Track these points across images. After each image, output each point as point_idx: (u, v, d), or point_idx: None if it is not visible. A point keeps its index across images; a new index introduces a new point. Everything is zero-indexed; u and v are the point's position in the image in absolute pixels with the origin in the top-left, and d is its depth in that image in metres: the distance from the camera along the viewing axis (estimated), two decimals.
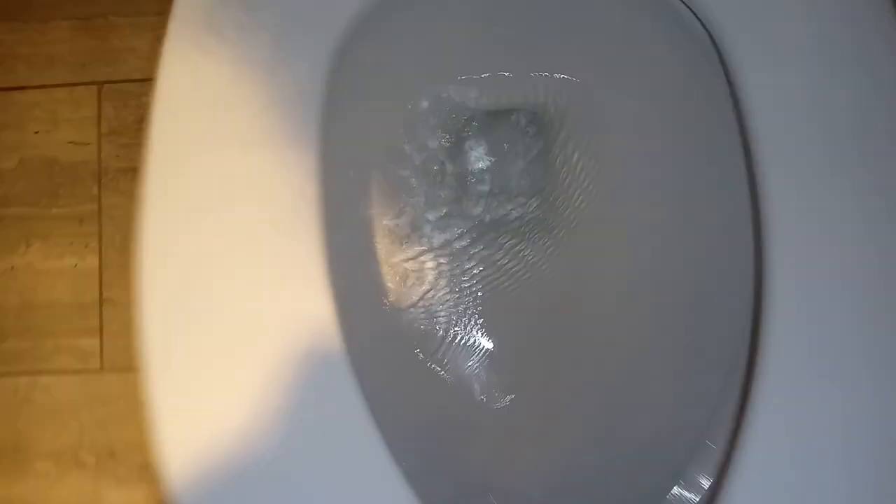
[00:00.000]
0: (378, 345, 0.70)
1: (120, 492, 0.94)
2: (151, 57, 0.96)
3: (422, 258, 0.74)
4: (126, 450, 0.94)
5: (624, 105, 0.73)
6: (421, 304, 0.74)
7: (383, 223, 0.74)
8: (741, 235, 0.58)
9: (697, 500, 0.62)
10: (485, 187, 0.77)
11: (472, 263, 0.74)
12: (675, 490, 0.62)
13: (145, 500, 0.94)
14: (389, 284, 0.74)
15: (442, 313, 0.74)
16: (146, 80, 0.98)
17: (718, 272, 0.67)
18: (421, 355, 0.72)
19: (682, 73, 0.68)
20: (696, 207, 0.69)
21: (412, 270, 0.74)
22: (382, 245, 0.74)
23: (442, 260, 0.74)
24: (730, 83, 0.57)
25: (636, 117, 0.72)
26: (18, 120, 0.98)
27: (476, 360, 0.73)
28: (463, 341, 0.73)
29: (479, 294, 0.74)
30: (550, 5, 0.69)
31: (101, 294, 0.96)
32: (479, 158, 0.78)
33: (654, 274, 0.71)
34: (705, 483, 0.62)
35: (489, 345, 0.73)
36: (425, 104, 0.76)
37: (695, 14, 0.60)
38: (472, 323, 0.74)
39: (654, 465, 0.65)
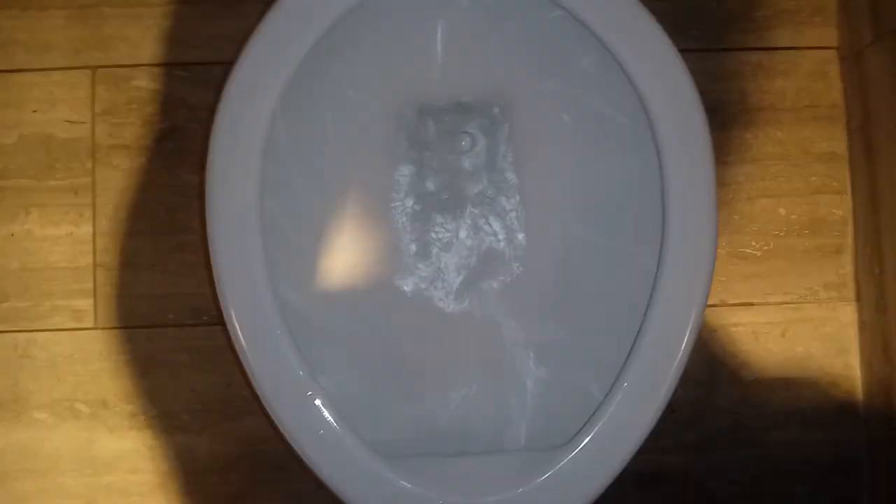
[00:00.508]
0: None
1: (111, 439, 1.03)
2: (141, 44, 1.06)
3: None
4: (117, 400, 1.04)
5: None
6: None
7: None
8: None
9: None
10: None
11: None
12: None
13: (134, 446, 1.03)
14: None
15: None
16: (136, 66, 1.05)
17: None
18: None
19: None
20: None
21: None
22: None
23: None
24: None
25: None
26: (17, 100, 1.05)
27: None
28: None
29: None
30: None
31: (94, 259, 1.04)
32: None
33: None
34: None
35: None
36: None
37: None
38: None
39: None
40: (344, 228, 0.87)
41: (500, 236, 0.87)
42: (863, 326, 1.04)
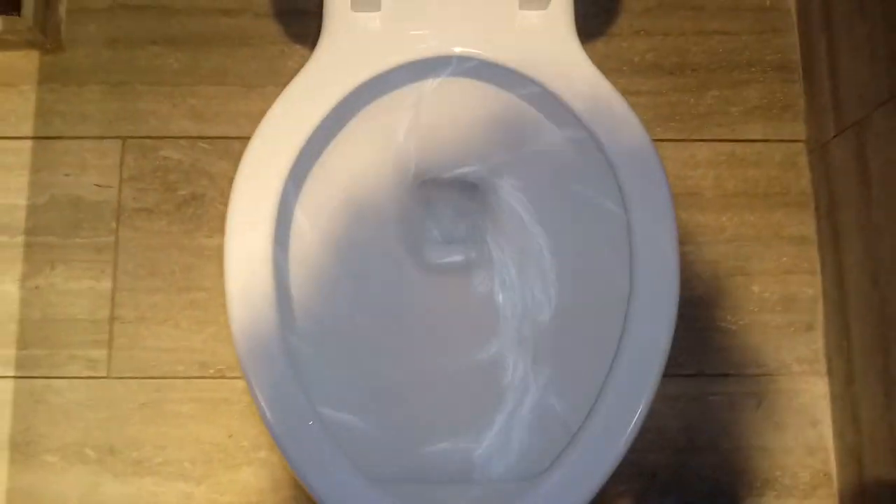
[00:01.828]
0: None
1: (116, 484, 1.08)
2: (170, 119, 1.15)
3: None
4: (124, 447, 1.09)
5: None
6: None
7: None
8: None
9: None
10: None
11: None
12: None
13: (137, 492, 1.08)
14: None
15: None
16: (164, 138, 1.15)
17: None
18: None
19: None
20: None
21: None
22: None
23: None
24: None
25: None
26: (52, 164, 1.15)
27: None
28: None
29: None
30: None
31: (112, 312, 1.12)
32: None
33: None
34: None
35: None
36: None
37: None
38: None
39: None
40: (348, 283, 0.94)
41: (490, 295, 0.94)
42: (834, 399, 1.09)
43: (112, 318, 1.12)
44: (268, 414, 0.79)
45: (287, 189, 0.85)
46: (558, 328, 0.90)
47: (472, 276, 0.93)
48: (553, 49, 0.87)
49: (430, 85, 0.92)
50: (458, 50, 0.87)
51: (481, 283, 0.93)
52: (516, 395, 0.89)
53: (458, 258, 0.94)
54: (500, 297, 0.92)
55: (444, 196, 0.97)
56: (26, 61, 1.17)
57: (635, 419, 0.79)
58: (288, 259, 0.89)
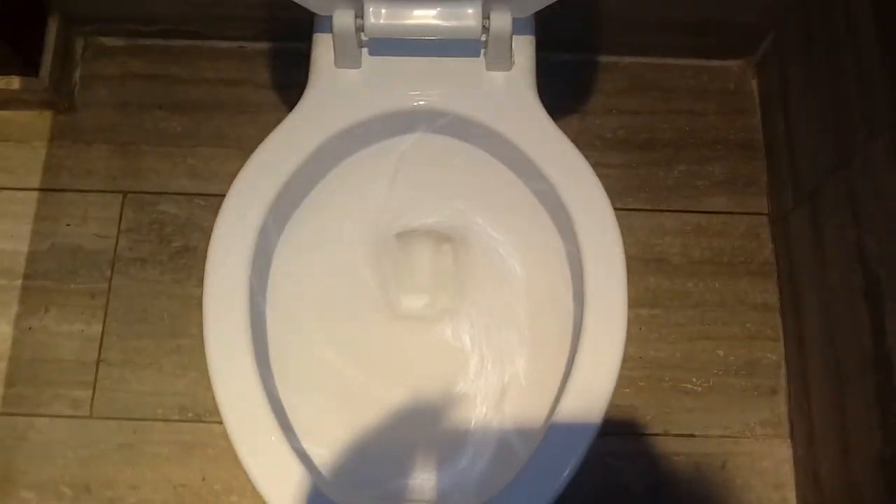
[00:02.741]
0: None
1: None
2: (169, 176, 1.22)
3: None
4: (100, 486, 1.12)
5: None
6: None
7: None
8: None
9: None
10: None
11: None
12: None
13: None
14: None
15: None
16: (162, 193, 1.23)
17: None
18: None
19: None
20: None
21: None
22: None
23: None
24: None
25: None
26: (55, 214, 1.22)
27: None
28: None
29: None
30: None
31: (99, 355, 1.16)
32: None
33: None
34: None
35: None
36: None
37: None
38: None
39: None
40: (323, 325, 0.98)
41: (461, 341, 0.99)
42: (797, 461, 1.11)
43: (99, 361, 1.16)
44: (234, 433, 0.82)
45: (267, 228, 0.91)
46: (524, 371, 0.94)
47: (444, 322, 0.98)
48: (515, 105, 0.94)
49: (407, 141, 1.00)
50: (431, 105, 0.95)
51: (452, 329, 0.98)
52: (479, 434, 0.92)
53: (430, 306, 0.99)
54: (470, 343, 0.97)
55: (419, 247, 1.02)
56: (40, 120, 1.26)
57: (579, 450, 0.82)
58: (266, 299, 0.94)
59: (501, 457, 0.90)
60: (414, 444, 0.92)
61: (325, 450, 0.90)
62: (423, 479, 0.90)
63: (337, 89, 0.95)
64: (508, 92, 0.95)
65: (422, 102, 0.94)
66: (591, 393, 0.84)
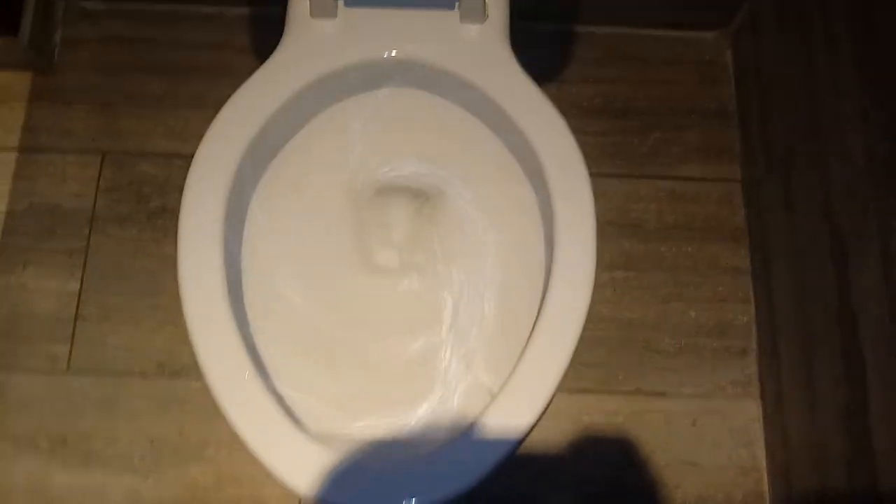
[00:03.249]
0: None
1: (65, 475, 1.11)
2: (148, 136, 1.23)
3: None
4: (77, 439, 1.12)
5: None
6: None
7: None
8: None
9: None
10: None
11: None
12: None
13: (85, 483, 1.10)
14: None
15: None
16: (141, 154, 1.23)
17: None
18: None
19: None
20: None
21: None
22: None
23: None
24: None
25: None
26: (34, 174, 1.22)
27: None
28: None
29: None
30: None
31: (77, 311, 1.17)
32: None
33: None
34: None
35: None
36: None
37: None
38: None
39: None
40: (297, 274, 0.99)
41: (433, 292, 1.00)
42: (766, 420, 1.13)
43: (76, 317, 1.17)
44: (208, 372, 0.83)
45: (242, 177, 0.92)
46: (494, 318, 0.96)
47: (417, 275, 0.99)
48: (489, 57, 0.96)
49: (381, 94, 1.01)
50: (405, 55, 0.96)
51: (425, 282, 0.99)
52: (450, 376, 0.93)
53: (404, 260, 1.00)
54: (443, 294, 0.98)
55: (394, 201, 1.03)
56: (20, 81, 1.26)
57: (548, 386, 0.83)
58: (241, 248, 0.95)
59: (473, 398, 0.91)
60: (387, 388, 0.94)
61: (298, 393, 0.91)
62: (396, 420, 0.91)
63: (312, 39, 0.97)
64: (482, 44, 0.97)
65: (395, 53, 0.95)
66: (559, 332, 0.85)
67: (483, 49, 0.96)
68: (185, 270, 0.87)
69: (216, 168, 0.91)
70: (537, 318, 0.86)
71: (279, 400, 0.83)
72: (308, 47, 0.96)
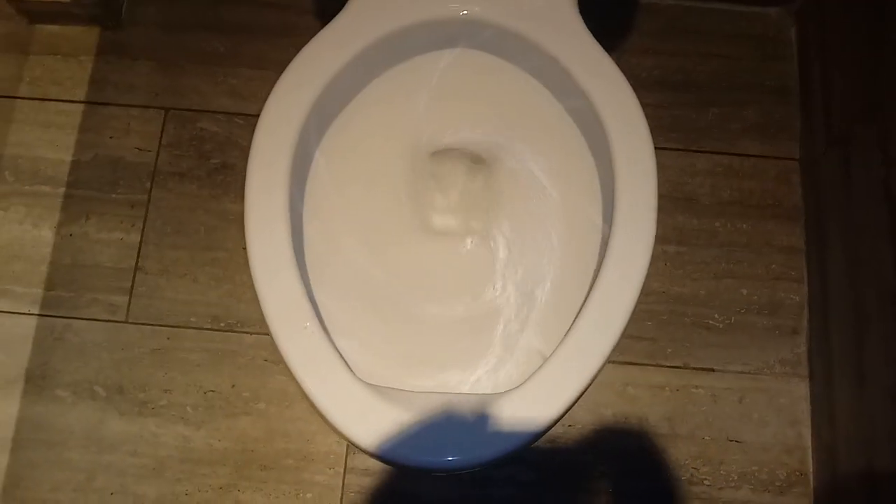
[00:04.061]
0: None
1: (120, 422, 1.14)
2: (210, 94, 1.25)
3: None
4: (132, 388, 1.15)
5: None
6: None
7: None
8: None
9: None
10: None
11: None
12: None
13: (139, 431, 1.14)
14: None
15: None
16: (203, 111, 1.25)
17: None
18: None
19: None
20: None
21: None
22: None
23: None
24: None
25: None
26: (99, 126, 1.25)
27: None
28: None
29: None
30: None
31: (136, 263, 1.19)
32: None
33: None
34: None
35: None
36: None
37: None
38: None
39: None
40: (356, 231, 1.01)
41: (491, 257, 1.01)
42: (814, 400, 1.13)
43: (136, 268, 1.19)
44: (272, 319, 0.85)
45: (307, 133, 0.93)
46: (550, 282, 0.96)
47: (474, 239, 1.00)
48: (558, 21, 0.96)
49: (447, 56, 1.02)
50: (473, 15, 0.96)
51: (483, 246, 1.00)
52: (506, 339, 0.94)
53: (462, 224, 1.01)
54: (500, 258, 0.99)
55: (452, 166, 1.04)
56: (87, 35, 1.29)
57: (605, 346, 0.84)
58: (303, 202, 0.96)
59: (526, 362, 0.92)
60: (441, 348, 0.95)
61: (355, 346, 0.93)
62: (448, 379, 0.93)
63: None
64: (551, 7, 0.97)
65: (465, 13, 0.96)
66: (612, 305, 0.86)
67: (552, 12, 0.96)
68: (252, 222, 0.88)
69: (283, 125, 0.93)
70: (592, 287, 0.87)
71: (338, 351, 0.84)
72: (376, 5, 0.96)
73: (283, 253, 0.87)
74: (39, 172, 1.23)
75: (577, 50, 0.94)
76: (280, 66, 1.26)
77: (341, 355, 0.84)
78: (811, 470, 1.12)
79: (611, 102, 0.91)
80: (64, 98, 1.26)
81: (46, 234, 1.21)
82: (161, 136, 1.25)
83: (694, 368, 1.15)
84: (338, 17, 0.96)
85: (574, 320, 0.86)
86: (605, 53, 0.94)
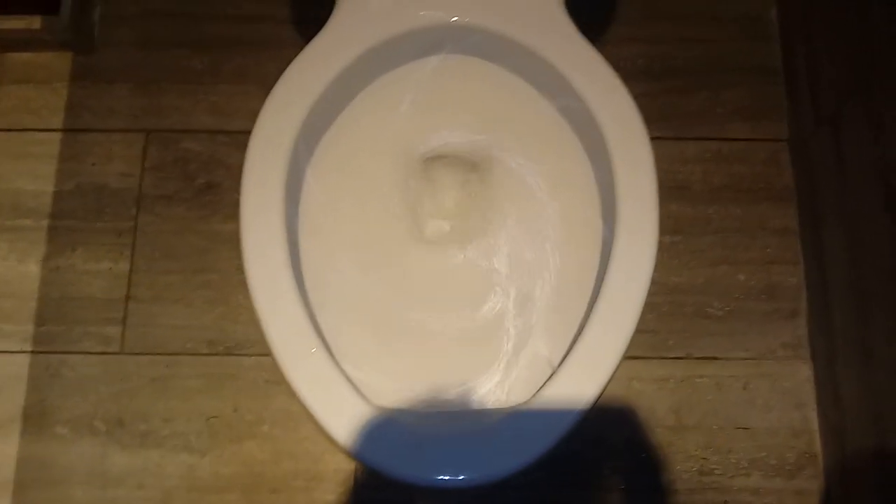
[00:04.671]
0: None
1: (123, 455, 1.13)
2: (191, 113, 1.23)
3: None
4: (133, 420, 1.13)
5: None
6: None
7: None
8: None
9: None
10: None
11: None
12: None
13: (143, 463, 1.12)
14: None
15: None
16: (185, 131, 1.23)
17: None
18: None
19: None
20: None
21: None
22: None
23: None
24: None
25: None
26: (79, 154, 1.23)
27: None
28: None
29: None
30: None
31: (128, 292, 1.18)
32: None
33: None
34: None
35: None
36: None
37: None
38: None
39: None
40: (352, 246, 0.99)
41: (488, 262, 1.00)
42: (818, 381, 1.13)
43: (128, 297, 1.18)
44: (275, 345, 0.84)
45: (298, 151, 0.92)
46: (551, 288, 0.95)
47: (470, 247, 0.99)
48: (544, 20, 0.94)
49: (434, 61, 1.00)
50: (460, 21, 0.95)
51: (479, 253, 0.99)
52: (510, 350, 0.93)
53: (456, 231, 1.00)
54: (497, 265, 0.98)
55: (444, 172, 1.03)
56: (60, 61, 1.26)
57: (609, 363, 0.83)
58: (298, 222, 0.95)
59: (533, 370, 0.92)
60: (444, 360, 0.94)
61: (357, 366, 0.92)
62: (455, 393, 0.92)
63: (366, 7, 0.96)
64: (537, 6, 0.95)
65: (455, 18, 0.95)
66: (621, 308, 0.85)
67: (538, 11, 0.95)
68: (250, 247, 0.87)
69: (274, 144, 0.91)
70: (601, 287, 0.86)
71: (346, 375, 0.83)
72: (362, 16, 0.95)
73: (284, 279, 0.86)
74: (20, 205, 1.21)
75: (567, 50, 0.93)
76: (260, 80, 1.25)
77: (349, 379, 0.83)
78: (820, 451, 1.12)
79: (605, 103, 0.91)
80: (40, 127, 1.24)
81: (32, 268, 1.19)
82: (144, 160, 1.23)
83: (697, 358, 1.15)
84: (322, 31, 0.94)
85: (582, 326, 0.85)
86: (598, 53, 0.93)
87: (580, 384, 0.82)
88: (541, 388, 0.82)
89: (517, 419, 0.81)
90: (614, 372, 0.83)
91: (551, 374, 0.83)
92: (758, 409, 1.13)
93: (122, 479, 1.12)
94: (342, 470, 1.11)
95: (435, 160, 1.02)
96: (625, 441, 1.12)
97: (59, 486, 1.11)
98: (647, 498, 1.11)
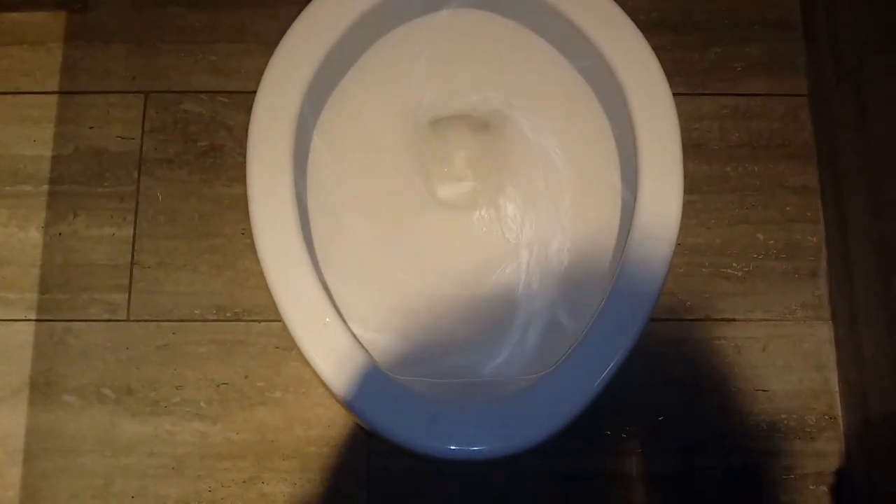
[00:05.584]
0: None
1: (133, 423, 1.11)
2: (190, 73, 1.19)
3: None
4: (142, 387, 1.11)
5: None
6: None
7: None
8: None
9: None
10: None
11: None
12: None
13: (154, 431, 1.10)
14: None
15: None
16: (184, 92, 1.19)
17: None
18: None
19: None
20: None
21: None
22: None
23: None
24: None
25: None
26: (77, 117, 1.19)
27: None
28: None
29: None
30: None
31: (132, 258, 1.15)
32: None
33: None
34: None
35: None
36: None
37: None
38: None
39: None
40: (362, 210, 0.97)
41: (502, 226, 0.97)
42: (839, 342, 1.11)
43: (132, 263, 1.15)
44: (289, 316, 0.81)
45: (304, 111, 0.89)
46: (568, 252, 0.93)
47: (484, 209, 0.96)
48: None
49: (442, 17, 0.96)
50: None
51: (494, 215, 0.96)
52: (526, 316, 0.91)
53: (469, 194, 0.97)
54: (513, 228, 0.95)
55: (456, 133, 1.00)
56: (53, 20, 1.22)
57: (634, 328, 0.81)
58: (306, 179, 0.92)
59: (550, 335, 0.90)
60: (461, 326, 0.92)
61: (373, 333, 0.90)
62: (473, 359, 0.90)
63: None
64: None
65: None
66: (644, 274, 0.83)
67: None
68: (260, 220, 0.84)
69: (280, 107, 0.88)
70: (623, 252, 0.83)
71: (362, 345, 0.81)
72: None
73: (295, 248, 0.83)
74: (19, 171, 1.17)
75: (588, 5, 0.89)
76: (259, 38, 1.21)
77: (366, 349, 0.81)
78: (840, 414, 1.10)
79: (627, 60, 0.87)
80: (36, 90, 1.20)
81: (34, 235, 1.16)
82: (143, 122, 1.19)
83: (715, 320, 1.13)
84: None
85: (607, 293, 0.82)
86: (618, 7, 0.89)
87: (606, 351, 0.80)
88: (565, 355, 0.80)
89: (537, 390, 0.79)
90: (638, 339, 0.81)
91: (575, 341, 0.81)
92: (777, 371, 1.12)
93: (132, 447, 1.10)
94: (356, 436, 1.10)
95: (446, 120, 0.99)
96: (643, 405, 1.11)
97: (69, 454, 1.10)
98: (664, 462, 1.09)
